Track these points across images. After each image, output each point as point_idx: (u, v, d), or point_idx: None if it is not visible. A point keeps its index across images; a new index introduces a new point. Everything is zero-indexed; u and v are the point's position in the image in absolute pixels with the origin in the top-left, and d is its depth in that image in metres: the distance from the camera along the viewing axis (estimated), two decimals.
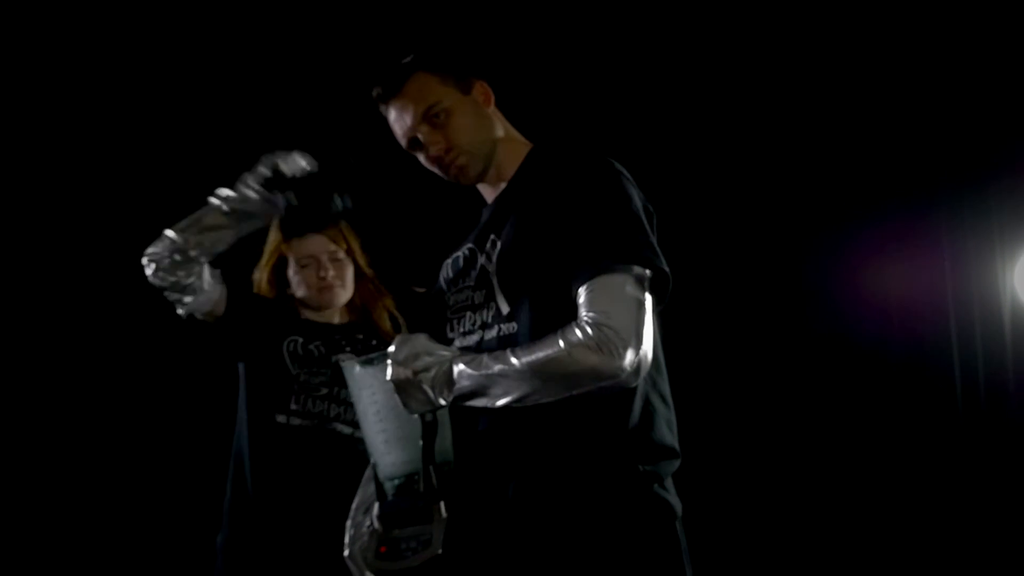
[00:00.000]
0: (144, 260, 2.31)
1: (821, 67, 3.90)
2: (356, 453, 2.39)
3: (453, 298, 1.91)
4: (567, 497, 1.71)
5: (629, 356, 1.63)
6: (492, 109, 1.95)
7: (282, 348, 2.59)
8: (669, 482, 1.80)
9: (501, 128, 1.96)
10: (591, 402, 1.70)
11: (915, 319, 3.86)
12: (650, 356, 1.68)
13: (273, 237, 2.70)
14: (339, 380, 2.48)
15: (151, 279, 2.32)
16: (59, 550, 3.62)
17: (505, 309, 1.79)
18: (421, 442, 1.68)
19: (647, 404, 1.77)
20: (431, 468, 1.66)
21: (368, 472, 1.86)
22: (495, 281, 1.81)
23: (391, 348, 1.72)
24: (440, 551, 1.64)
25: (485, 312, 1.83)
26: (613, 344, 1.63)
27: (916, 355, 3.84)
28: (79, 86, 3.80)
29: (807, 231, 3.93)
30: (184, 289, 2.34)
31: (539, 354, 1.65)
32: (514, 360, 1.66)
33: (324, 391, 2.54)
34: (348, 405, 2.49)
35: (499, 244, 1.84)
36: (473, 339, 1.82)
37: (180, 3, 3.67)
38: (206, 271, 2.38)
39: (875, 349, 3.85)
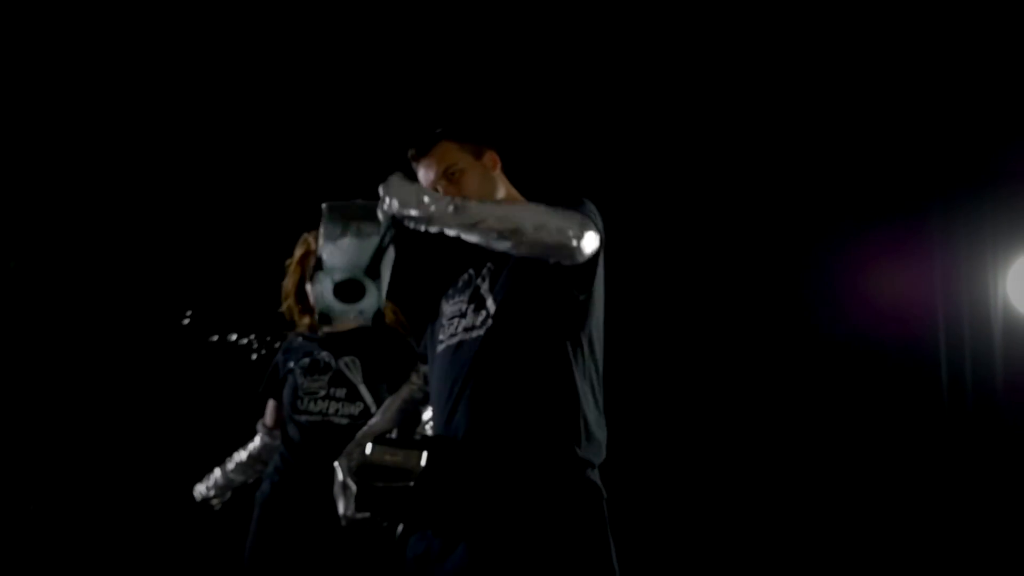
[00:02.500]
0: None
1: (819, 80, 4.12)
2: (348, 437, 2.95)
3: (449, 309, 2.44)
4: (518, 473, 2.20)
5: (583, 242, 2.19)
6: (497, 172, 2.48)
7: (294, 370, 3.17)
8: (597, 470, 2.28)
9: (503, 188, 2.48)
10: (544, 400, 2.22)
11: (905, 322, 4.08)
12: (589, 252, 2.22)
13: (298, 251, 3.23)
14: (334, 382, 3.11)
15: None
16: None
17: (492, 324, 2.30)
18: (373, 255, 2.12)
19: (586, 408, 2.26)
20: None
21: (372, 419, 2.47)
22: (483, 288, 2.35)
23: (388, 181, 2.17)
24: (411, 484, 2.17)
25: (473, 317, 2.34)
26: (577, 230, 2.19)
27: (905, 356, 4.07)
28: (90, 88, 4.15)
29: (805, 236, 4.17)
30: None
31: (525, 210, 2.20)
32: (507, 208, 2.21)
33: (322, 392, 3.11)
34: (343, 402, 3.09)
35: (491, 266, 2.38)
36: (455, 339, 2.35)
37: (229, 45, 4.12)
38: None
39: (865, 350, 4.08)
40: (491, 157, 2.48)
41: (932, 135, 4.15)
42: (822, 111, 4.17)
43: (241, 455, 3.32)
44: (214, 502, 3.35)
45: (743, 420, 4.12)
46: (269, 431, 3.28)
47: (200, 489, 3.35)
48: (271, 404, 3.28)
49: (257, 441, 3.30)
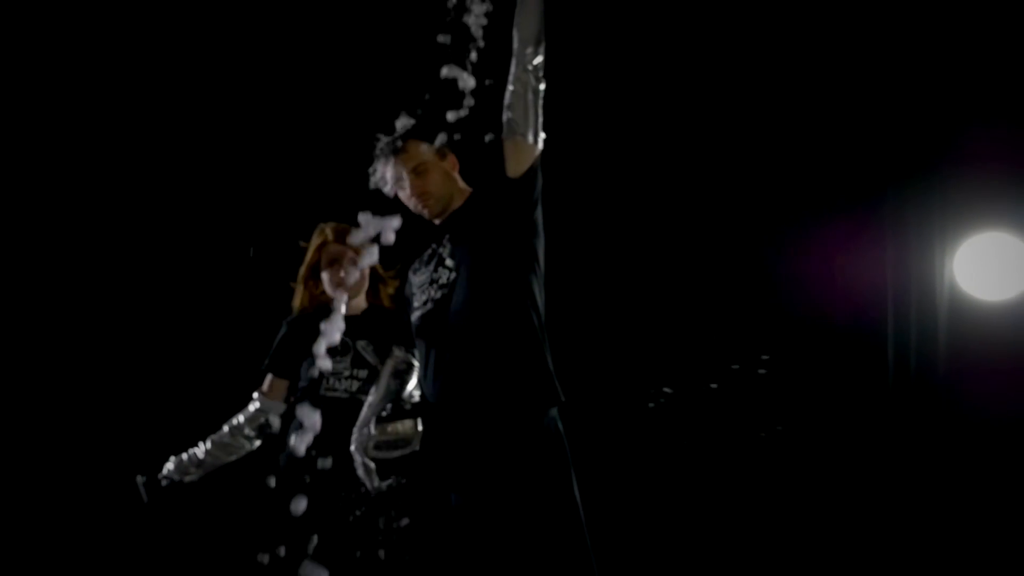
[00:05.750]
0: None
1: (779, 69, 4.29)
2: None
3: (418, 280, 2.82)
4: (493, 425, 2.59)
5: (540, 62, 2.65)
6: (456, 174, 2.82)
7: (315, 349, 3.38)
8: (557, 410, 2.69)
9: (459, 185, 2.82)
10: (512, 352, 2.61)
11: (857, 300, 4.25)
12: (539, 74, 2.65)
13: (314, 241, 3.48)
14: (356, 363, 3.38)
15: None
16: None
17: (454, 275, 2.68)
18: None
19: (546, 351, 2.67)
20: None
21: (368, 399, 2.82)
22: (445, 254, 2.73)
23: None
24: (417, 448, 2.64)
25: (444, 279, 2.71)
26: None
27: (855, 333, 4.25)
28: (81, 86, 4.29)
29: (766, 218, 4.35)
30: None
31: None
32: None
33: (347, 373, 3.37)
34: (364, 381, 3.34)
35: (449, 236, 2.76)
36: (429, 305, 2.73)
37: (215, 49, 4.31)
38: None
39: (818, 326, 4.27)
40: (452, 160, 2.81)
41: (887, 123, 4.33)
42: (782, 98, 4.35)
43: (230, 424, 3.44)
44: (185, 479, 3.39)
45: (695, 394, 4.33)
46: (266, 400, 3.45)
47: (169, 467, 3.40)
48: (271, 377, 3.46)
49: (251, 408, 3.45)
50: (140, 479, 3.35)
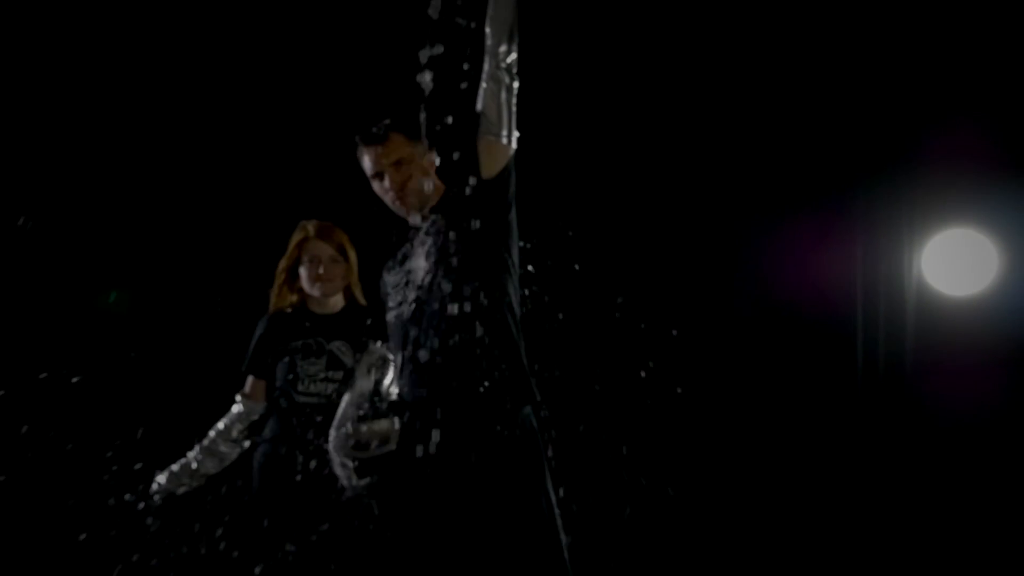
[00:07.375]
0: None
1: (754, 66, 4.34)
2: None
3: (392, 279, 2.83)
4: (467, 424, 2.61)
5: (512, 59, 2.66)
6: (433, 171, 2.81)
7: (289, 351, 3.43)
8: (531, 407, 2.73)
9: (436, 183, 2.81)
10: (486, 351, 2.62)
11: (828, 296, 4.33)
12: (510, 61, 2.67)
13: (295, 237, 3.50)
14: (331, 365, 3.40)
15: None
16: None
17: (429, 276, 2.69)
18: None
19: (521, 351, 2.70)
20: None
21: (345, 398, 2.82)
22: (420, 254, 2.74)
23: None
24: (394, 447, 2.63)
25: (418, 279, 2.71)
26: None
27: (825, 328, 4.34)
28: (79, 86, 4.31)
29: (737, 215, 4.41)
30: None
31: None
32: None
33: (321, 375, 3.40)
34: (339, 383, 3.37)
35: (424, 237, 2.75)
36: (403, 307, 2.74)
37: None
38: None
39: (789, 320, 4.35)
40: (431, 159, 2.80)
41: (856, 121, 4.40)
42: (752, 97, 4.40)
43: (216, 429, 3.43)
44: (179, 490, 3.38)
45: (666, 388, 4.28)
46: (249, 402, 3.46)
47: (160, 481, 3.38)
48: (251, 379, 3.46)
49: (234, 411, 3.46)
50: (128, 498, 3.34)
